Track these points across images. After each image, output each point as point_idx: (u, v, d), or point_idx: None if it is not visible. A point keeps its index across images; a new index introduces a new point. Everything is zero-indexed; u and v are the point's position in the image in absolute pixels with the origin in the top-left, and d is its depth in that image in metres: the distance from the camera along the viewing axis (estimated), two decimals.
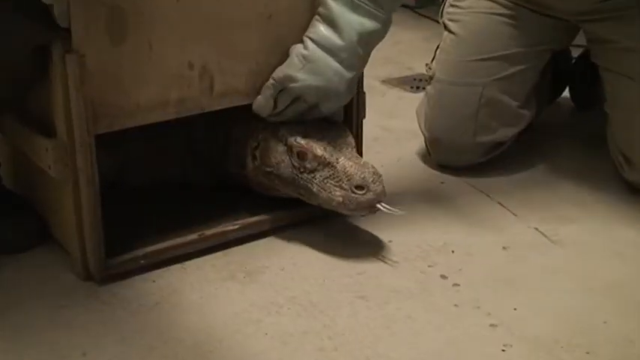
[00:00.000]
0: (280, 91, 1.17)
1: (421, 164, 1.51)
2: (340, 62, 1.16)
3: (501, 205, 1.37)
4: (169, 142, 1.30)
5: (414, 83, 1.93)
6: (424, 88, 1.55)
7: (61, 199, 1.13)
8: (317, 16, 1.17)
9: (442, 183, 1.45)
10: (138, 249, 1.15)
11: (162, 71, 1.11)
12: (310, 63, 1.15)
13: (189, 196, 1.31)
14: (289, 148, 1.18)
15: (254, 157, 1.22)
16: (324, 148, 1.17)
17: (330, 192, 1.15)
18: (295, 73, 1.16)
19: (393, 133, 1.65)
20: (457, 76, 1.44)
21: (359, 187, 1.14)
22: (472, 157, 1.46)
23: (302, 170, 1.17)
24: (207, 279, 1.16)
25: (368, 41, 1.18)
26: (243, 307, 1.09)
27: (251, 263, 1.19)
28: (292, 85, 1.16)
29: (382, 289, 1.14)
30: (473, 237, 1.27)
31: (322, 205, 1.18)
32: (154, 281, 1.15)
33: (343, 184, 1.14)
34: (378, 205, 1.14)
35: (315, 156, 1.16)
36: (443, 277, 1.17)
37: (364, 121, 1.31)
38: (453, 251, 1.23)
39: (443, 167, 1.48)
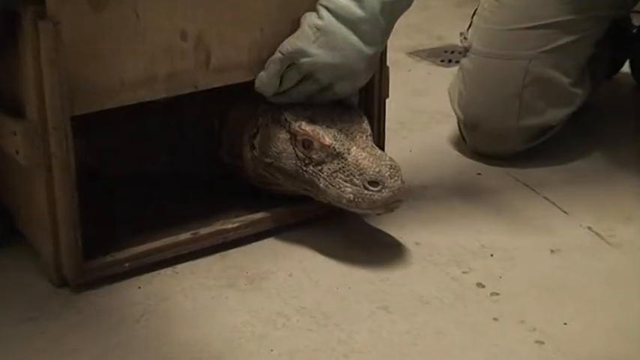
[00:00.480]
0: (288, 66, 1.17)
1: (454, 152, 1.51)
2: (360, 36, 1.15)
3: (549, 200, 1.36)
4: (158, 126, 1.29)
5: (446, 56, 1.93)
6: (458, 62, 1.54)
7: (31, 190, 1.13)
8: None
9: (479, 174, 1.44)
10: (121, 250, 1.15)
11: (151, 42, 1.10)
12: (325, 36, 1.14)
13: (180, 190, 1.30)
14: (293, 136, 1.17)
15: (252, 146, 1.22)
16: (334, 136, 1.16)
17: (340, 188, 1.14)
18: (307, 46, 1.15)
19: (422, 116, 1.65)
20: (498, 48, 1.43)
21: (373, 182, 1.12)
22: (515, 144, 1.45)
23: (307, 162, 1.17)
24: (203, 285, 1.15)
25: (392, 10, 1.17)
26: (245, 319, 1.09)
27: (253, 267, 1.19)
28: (303, 60, 1.15)
29: (408, 298, 1.13)
30: (515, 238, 1.26)
31: (331, 202, 1.17)
32: (139, 288, 1.14)
33: (355, 179, 1.13)
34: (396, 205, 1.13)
35: (323, 145, 1.15)
36: (480, 285, 1.16)
37: (387, 101, 1.30)
38: (491, 255, 1.23)
39: (480, 156, 1.47)
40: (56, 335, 1.06)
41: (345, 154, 1.15)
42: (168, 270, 1.18)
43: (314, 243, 1.23)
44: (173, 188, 1.31)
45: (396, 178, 1.13)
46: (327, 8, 1.15)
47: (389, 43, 1.24)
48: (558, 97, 1.45)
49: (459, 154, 1.50)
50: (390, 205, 1.14)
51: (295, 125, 1.17)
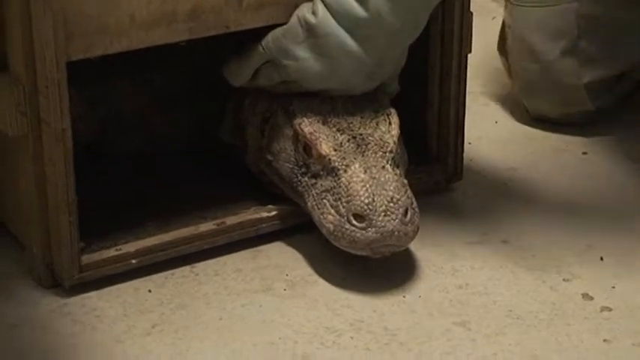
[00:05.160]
0: (267, 61, 1.18)
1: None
2: (360, 42, 1.16)
3: None
4: (176, 87, 1.31)
5: None
6: None
7: (14, 166, 1.14)
8: None
9: (584, 154, 1.45)
10: (128, 242, 1.16)
11: None
12: (316, 37, 1.16)
13: (202, 168, 1.32)
14: (295, 135, 1.18)
15: (262, 134, 1.22)
16: (338, 145, 1.15)
17: (323, 213, 1.14)
18: (293, 46, 1.16)
19: None
20: None
21: (357, 215, 1.11)
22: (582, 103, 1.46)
23: (304, 171, 1.17)
24: (230, 290, 1.17)
25: (410, 7, 1.16)
26: (285, 334, 1.10)
27: (295, 268, 1.20)
28: (286, 62, 1.17)
29: (493, 312, 1.14)
30: (634, 237, 1.26)
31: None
32: (150, 291, 1.16)
33: (340, 207, 1.13)
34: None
35: (320, 155, 1.15)
36: (586, 296, 1.17)
37: (469, 56, 1.31)
38: (601, 258, 1.23)
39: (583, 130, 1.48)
40: (43, 349, 1.07)
41: (341, 172, 1.14)
42: (186, 269, 1.19)
43: None
44: (192, 167, 1.32)
45: (393, 216, 1.11)
46: (323, 2, 1.15)
47: None
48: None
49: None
50: (377, 249, 1.12)
51: (297, 122, 1.18)
